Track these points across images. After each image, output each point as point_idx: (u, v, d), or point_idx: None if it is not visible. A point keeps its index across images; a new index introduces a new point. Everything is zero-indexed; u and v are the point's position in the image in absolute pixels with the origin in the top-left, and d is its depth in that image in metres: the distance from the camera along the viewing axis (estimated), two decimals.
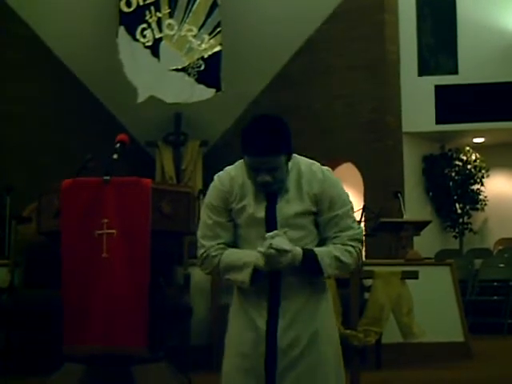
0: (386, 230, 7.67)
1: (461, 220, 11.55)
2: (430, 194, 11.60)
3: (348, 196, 2.71)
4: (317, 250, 2.62)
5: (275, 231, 2.56)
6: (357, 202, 10.50)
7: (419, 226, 7.75)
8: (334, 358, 2.71)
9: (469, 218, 11.58)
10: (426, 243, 9.58)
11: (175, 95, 10.33)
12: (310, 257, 2.59)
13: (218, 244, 2.69)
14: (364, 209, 7.54)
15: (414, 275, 5.00)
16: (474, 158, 11.71)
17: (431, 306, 6.71)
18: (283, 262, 2.54)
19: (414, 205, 10.67)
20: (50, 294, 5.25)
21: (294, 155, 2.69)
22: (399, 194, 8.18)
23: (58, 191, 4.70)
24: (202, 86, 10.45)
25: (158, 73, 10.43)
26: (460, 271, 8.11)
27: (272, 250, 2.52)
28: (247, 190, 2.66)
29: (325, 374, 2.65)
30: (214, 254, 2.68)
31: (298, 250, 2.57)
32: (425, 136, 11.29)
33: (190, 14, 10.63)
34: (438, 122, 11.01)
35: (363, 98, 10.72)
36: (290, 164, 2.65)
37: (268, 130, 2.54)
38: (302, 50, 11.10)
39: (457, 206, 11.52)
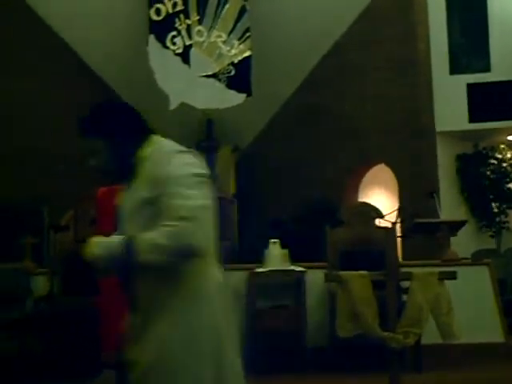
0: (422, 231, 7.60)
1: (497, 219, 11.39)
2: (465, 193, 11.47)
3: (185, 174, 2.36)
4: (139, 236, 2.36)
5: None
6: (392, 203, 10.42)
7: (455, 226, 7.66)
8: (187, 371, 2.38)
9: (505, 216, 11.42)
10: (462, 243, 9.45)
11: (206, 101, 10.36)
12: (128, 246, 2.35)
13: None
14: (399, 210, 7.48)
15: (452, 276, 4.95)
16: (509, 155, 11.56)
17: (470, 306, 6.64)
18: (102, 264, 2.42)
19: (449, 205, 10.55)
20: (87, 301, 5.30)
21: (161, 142, 2.51)
22: (434, 195, 8.09)
23: (93, 199, 4.75)
24: (232, 92, 10.47)
25: (188, 79, 10.47)
26: (498, 270, 7.99)
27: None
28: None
29: None
30: None
31: (114, 242, 2.40)
32: (458, 135, 11.17)
33: (219, 20, 10.66)
34: (471, 120, 10.88)
35: (395, 98, 10.64)
36: (147, 151, 2.48)
37: (86, 115, 2.53)
38: (332, 51, 11.04)
39: (493, 204, 11.37)
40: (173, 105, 10.30)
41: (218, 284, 2.45)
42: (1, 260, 7.01)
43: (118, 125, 2.49)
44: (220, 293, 2.45)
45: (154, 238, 2.31)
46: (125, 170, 2.48)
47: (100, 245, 2.39)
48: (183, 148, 2.43)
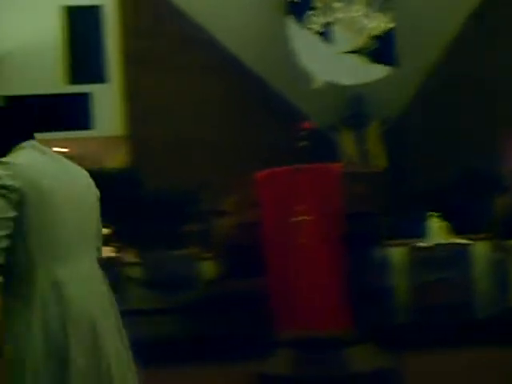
0: None
1: None
2: None
3: None
4: None
5: None
6: None
7: None
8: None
9: None
10: None
11: (351, 77, 10.29)
12: None
13: None
14: None
15: None
16: None
17: None
18: None
19: None
20: (254, 282, 5.44)
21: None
22: None
23: (252, 183, 4.87)
24: (376, 65, 10.34)
25: (331, 57, 10.44)
26: None
27: None
28: None
29: None
30: None
31: None
32: None
33: None
34: None
35: None
36: None
37: None
38: (480, 11, 10.58)
39: None
40: (317, 84, 10.32)
41: (51, 285, 2.51)
42: (167, 247, 7.35)
43: None
44: (55, 293, 2.50)
45: None
46: None
47: None
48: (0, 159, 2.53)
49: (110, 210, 9.03)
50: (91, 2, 11.32)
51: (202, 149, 10.61)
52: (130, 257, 7.68)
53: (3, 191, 2.46)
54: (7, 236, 2.44)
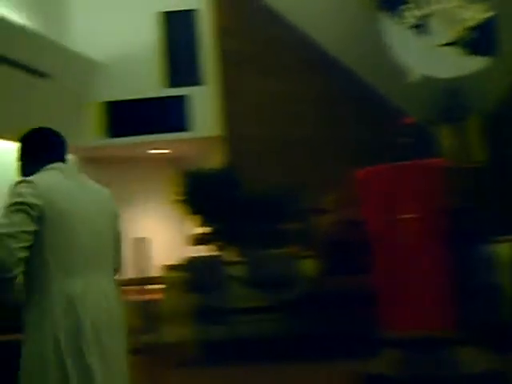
0: None
1: None
2: None
3: (6, 204, 2.67)
4: None
5: None
6: None
7: None
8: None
9: None
10: None
11: (448, 70, 10.08)
12: None
13: None
14: None
15: None
16: None
17: None
18: None
19: None
20: (355, 280, 5.40)
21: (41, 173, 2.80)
22: None
23: (352, 181, 4.83)
24: (474, 56, 10.08)
25: (427, 50, 10.26)
26: None
27: None
28: None
29: None
30: None
31: None
32: None
33: None
34: None
35: None
36: None
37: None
38: None
39: None
40: (413, 78, 10.16)
41: (64, 297, 2.68)
42: (268, 246, 7.39)
43: (22, 149, 2.90)
44: (67, 305, 2.66)
45: None
46: None
47: None
48: (26, 178, 2.76)
49: (209, 209, 9.17)
50: (186, 6, 11.56)
51: (300, 148, 10.63)
52: (231, 256, 7.78)
53: (25, 207, 2.68)
54: (26, 248, 2.64)
